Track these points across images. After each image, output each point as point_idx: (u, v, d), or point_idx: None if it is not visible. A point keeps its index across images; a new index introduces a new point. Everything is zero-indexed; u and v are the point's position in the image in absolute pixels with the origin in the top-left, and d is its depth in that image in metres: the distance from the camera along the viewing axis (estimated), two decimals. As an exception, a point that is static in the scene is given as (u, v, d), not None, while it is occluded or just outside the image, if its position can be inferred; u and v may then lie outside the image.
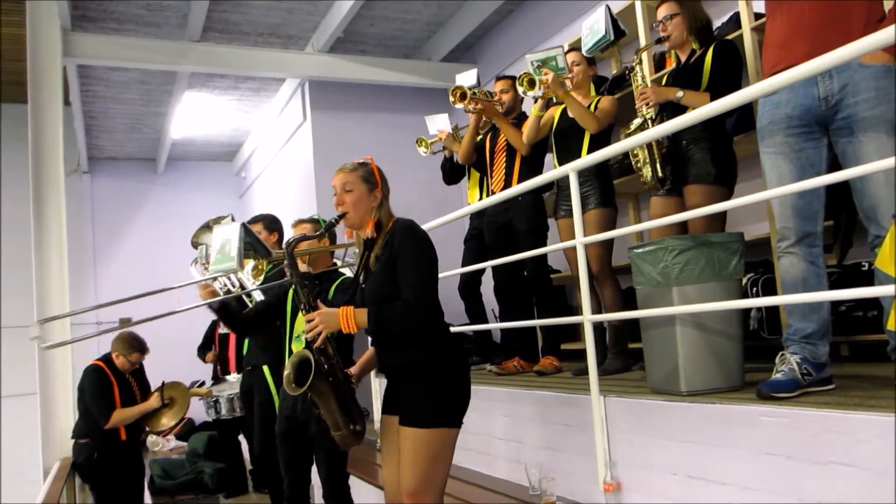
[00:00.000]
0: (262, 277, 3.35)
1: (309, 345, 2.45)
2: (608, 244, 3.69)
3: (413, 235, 2.39)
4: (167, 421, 4.81)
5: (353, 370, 2.68)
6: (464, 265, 4.52)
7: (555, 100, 3.80)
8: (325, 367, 2.48)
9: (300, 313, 3.28)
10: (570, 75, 3.72)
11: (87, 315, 8.62)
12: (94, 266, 9.39)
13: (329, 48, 6.66)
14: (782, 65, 2.30)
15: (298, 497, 3.35)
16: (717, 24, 3.79)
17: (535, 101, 3.79)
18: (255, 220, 4.32)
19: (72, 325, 5.29)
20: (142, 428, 4.89)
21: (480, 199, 4.55)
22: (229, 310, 3.17)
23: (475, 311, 4.62)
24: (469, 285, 4.61)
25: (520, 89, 3.74)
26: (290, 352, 3.30)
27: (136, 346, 4.75)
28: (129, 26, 6.21)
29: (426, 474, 2.35)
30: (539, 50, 3.81)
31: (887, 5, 2.39)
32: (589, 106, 3.71)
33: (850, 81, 2.25)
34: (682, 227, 3.14)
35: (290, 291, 3.36)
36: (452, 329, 4.44)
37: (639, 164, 3.22)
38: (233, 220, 4.05)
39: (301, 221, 3.75)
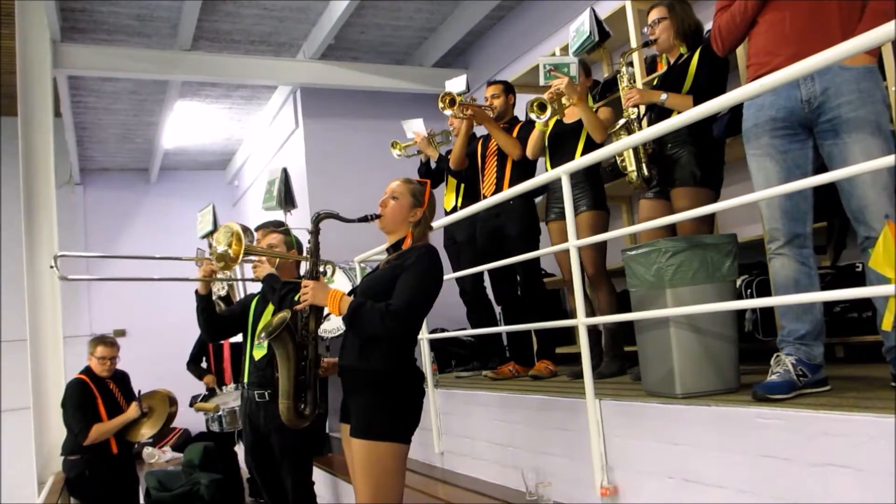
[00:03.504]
0: (229, 271, 3.39)
1: (298, 310, 2.54)
2: (601, 247, 3.69)
3: (431, 258, 2.46)
4: (147, 431, 4.79)
5: (330, 359, 2.68)
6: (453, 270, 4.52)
7: (557, 116, 3.79)
8: (301, 336, 2.55)
9: (261, 322, 3.36)
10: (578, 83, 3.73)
11: (81, 328, 8.62)
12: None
13: (321, 55, 6.66)
14: (766, 68, 2.32)
15: None
16: (708, 26, 3.81)
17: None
18: (262, 227, 4.32)
19: (65, 337, 5.26)
20: (132, 441, 4.85)
21: (456, 204, 4.56)
22: (210, 302, 3.29)
23: (479, 315, 4.58)
24: (466, 290, 4.59)
25: (532, 115, 3.66)
26: (251, 357, 3.35)
27: (98, 339, 4.71)
28: (119, 36, 6.19)
29: (380, 491, 2.35)
30: (549, 55, 3.81)
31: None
32: None
33: (831, 84, 2.26)
34: (671, 230, 3.15)
35: (253, 302, 3.43)
36: (447, 334, 4.47)
37: (624, 165, 3.23)
38: (214, 210, 4.16)
39: (265, 225, 3.80)
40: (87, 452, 4.52)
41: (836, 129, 2.25)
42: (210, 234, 3.87)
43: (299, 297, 2.47)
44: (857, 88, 2.22)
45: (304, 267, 3.53)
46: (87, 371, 4.68)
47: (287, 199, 3.55)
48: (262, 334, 2.53)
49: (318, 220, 2.58)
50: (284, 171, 3.28)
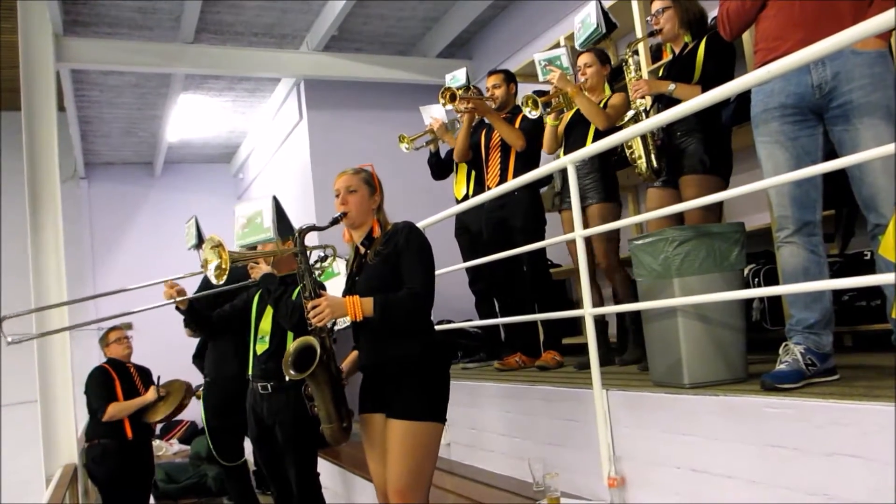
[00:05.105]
0: (224, 278, 3.32)
1: (313, 332, 2.50)
2: (614, 238, 3.65)
3: (417, 233, 2.54)
4: (161, 413, 4.90)
5: (343, 367, 2.68)
6: (465, 260, 4.49)
7: (565, 110, 3.78)
8: (325, 357, 2.52)
9: (263, 317, 3.34)
10: (571, 73, 3.72)
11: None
12: (94, 272, 9.35)
13: (324, 47, 6.63)
14: (775, 53, 2.29)
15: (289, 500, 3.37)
16: (713, 14, 3.77)
17: (548, 112, 3.75)
18: None
19: (71, 334, 5.26)
20: (149, 429, 4.91)
21: (467, 192, 4.52)
22: (195, 310, 3.24)
23: (503, 304, 4.49)
24: (483, 278, 4.55)
25: (525, 110, 3.71)
26: (255, 353, 3.33)
27: (106, 331, 5.00)
28: (121, 30, 6.18)
29: (415, 471, 2.38)
30: (544, 50, 3.86)
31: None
32: (600, 103, 3.68)
33: (843, 69, 2.23)
34: (679, 219, 3.12)
35: (255, 298, 3.40)
36: (450, 325, 4.46)
37: (634, 156, 3.21)
38: (196, 223, 4.18)
39: None
40: (104, 437, 4.66)
41: (847, 115, 2.22)
42: (197, 247, 3.91)
43: (314, 318, 2.42)
44: (870, 73, 2.20)
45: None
46: (109, 361, 4.91)
47: (283, 229, 3.42)
48: (292, 370, 2.49)
49: (301, 238, 2.57)
50: (275, 199, 3.16)
